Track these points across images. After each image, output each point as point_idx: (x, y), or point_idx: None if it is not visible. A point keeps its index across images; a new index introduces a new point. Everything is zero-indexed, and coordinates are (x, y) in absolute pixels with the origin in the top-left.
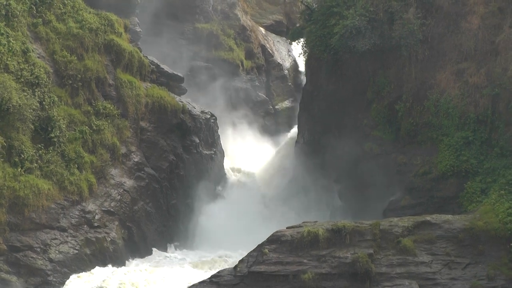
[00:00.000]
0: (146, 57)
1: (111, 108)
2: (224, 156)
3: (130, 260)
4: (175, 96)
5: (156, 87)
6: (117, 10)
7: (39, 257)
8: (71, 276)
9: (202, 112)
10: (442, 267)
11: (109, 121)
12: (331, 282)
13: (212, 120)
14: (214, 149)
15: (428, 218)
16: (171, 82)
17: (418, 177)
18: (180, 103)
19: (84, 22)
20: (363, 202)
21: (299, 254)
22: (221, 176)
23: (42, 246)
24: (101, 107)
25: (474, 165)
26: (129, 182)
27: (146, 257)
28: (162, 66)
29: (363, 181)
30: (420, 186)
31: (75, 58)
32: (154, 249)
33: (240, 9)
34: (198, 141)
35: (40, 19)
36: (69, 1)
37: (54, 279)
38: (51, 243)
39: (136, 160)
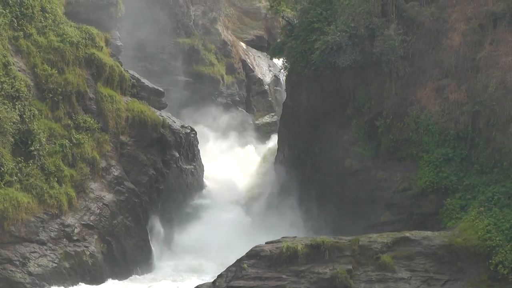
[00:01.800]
0: (127, 71)
1: (91, 122)
2: (203, 171)
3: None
4: (156, 110)
5: (137, 101)
6: (98, 24)
7: (18, 270)
8: None
9: (182, 126)
10: (421, 283)
11: (89, 135)
12: None
13: (192, 135)
14: (194, 164)
15: (407, 234)
16: (152, 96)
17: (398, 193)
18: (161, 117)
19: (65, 36)
20: (343, 218)
21: (278, 270)
22: (201, 190)
23: (21, 259)
24: (81, 120)
25: (454, 182)
26: (108, 196)
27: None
28: (142, 80)
29: (343, 197)
30: (399, 202)
31: (56, 71)
32: (132, 264)
33: (221, 24)
34: (178, 155)
35: (21, 32)
36: (50, 14)
37: None
38: (30, 257)
39: (116, 174)
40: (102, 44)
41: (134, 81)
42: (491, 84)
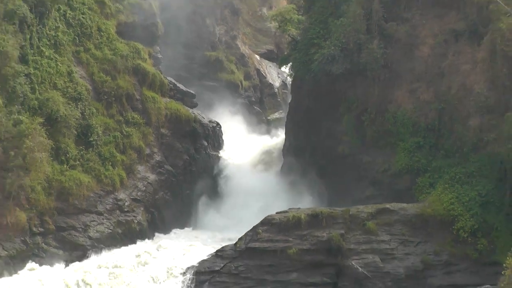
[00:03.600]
0: (166, 77)
1: (138, 118)
2: (228, 157)
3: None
4: (189, 108)
5: (173, 101)
6: (143, 41)
7: (81, 235)
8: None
9: (210, 121)
10: (398, 244)
11: (136, 128)
12: (311, 256)
13: (218, 128)
14: (219, 151)
15: (387, 206)
16: (185, 97)
17: (380, 173)
18: (193, 114)
19: (116, 50)
20: (337, 193)
21: (286, 234)
22: (224, 173)
23: (83, 227)
24: (130, 117)
25: (424, 164)
26: (152, 177)
27: (166, 235)
28: (178, 85)
29: (337, 176)
30: (381, 180)
31: (110, 78)
32: (171, 230)
33: (240, 40)
34: (206, 144)
35: (82, 47)
36: (104, 33)
37: (93, 253)
38: (90, 224)
39: (157, 159)
40: (146, 56)
41: (172, 85)
42: (454, 87)
